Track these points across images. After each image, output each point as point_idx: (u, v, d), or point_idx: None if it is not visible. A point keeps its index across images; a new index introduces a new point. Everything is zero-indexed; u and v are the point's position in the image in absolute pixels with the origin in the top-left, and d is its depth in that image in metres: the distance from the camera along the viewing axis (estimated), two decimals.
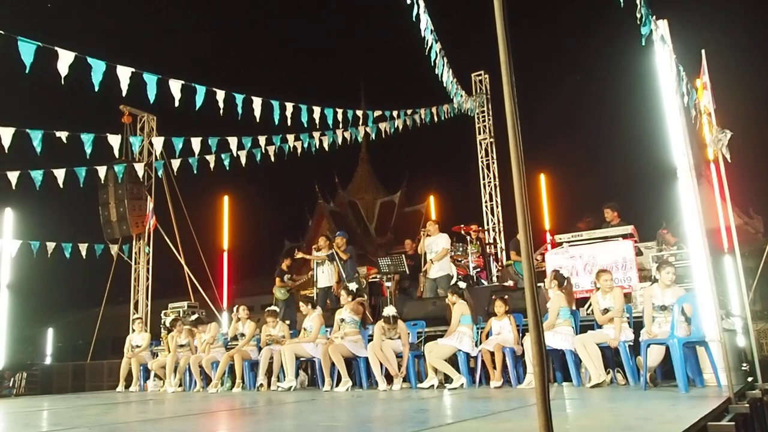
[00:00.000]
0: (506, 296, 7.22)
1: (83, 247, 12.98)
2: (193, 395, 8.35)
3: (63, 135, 8.03)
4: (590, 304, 6.84)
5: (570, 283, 7.01)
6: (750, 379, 6.73)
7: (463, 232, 10.70)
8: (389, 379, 7.30)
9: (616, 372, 6.40)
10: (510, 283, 9.72)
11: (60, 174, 9.30)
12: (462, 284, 7.63)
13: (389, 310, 7.46)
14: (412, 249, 10.68)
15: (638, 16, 5.04)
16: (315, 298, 10.03)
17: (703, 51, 7.66)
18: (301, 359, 8.14)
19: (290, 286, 11.05)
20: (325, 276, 10.20)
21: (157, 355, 10.29)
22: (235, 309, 9.15)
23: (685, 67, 5.82)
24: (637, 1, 4.98)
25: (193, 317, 9.75)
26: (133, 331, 10.77)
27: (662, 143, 5.07)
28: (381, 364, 7.25)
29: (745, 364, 6.98)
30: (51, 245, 12.25)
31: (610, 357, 6.39)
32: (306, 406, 5.80)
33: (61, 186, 9.29)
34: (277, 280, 11.17)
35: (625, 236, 7.75)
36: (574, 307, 6.87)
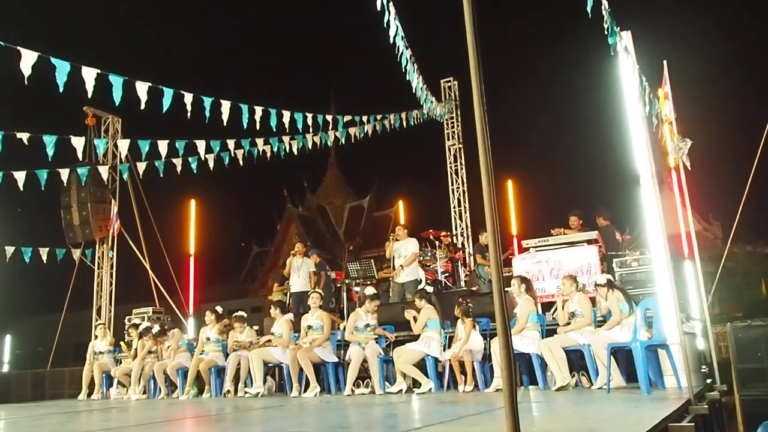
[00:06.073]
0: (467, 301, 7.26)
1: (44, 252, 12.66)
2: (158, 402, 8.21)
3: (24, 136, 7.81)
4: (556, 308, 6.94)
5: (532, 286, 7.10)
6: (709, 381, 6.93)
7: (432, 237, 10.76)
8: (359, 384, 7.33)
9: (581, 375, 6.51)
10: (475, 287, 9.79)
11: (20, 176, 9.04)
12: (429, 288, 7.67)
13: (370, 290, 7.76)
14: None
15: (605, 27, 5.15)
16: (289, 302, 9.99)
17: (665, 62, 7.87)
18: (269, 365, 8.07)
19: (287, 289, 10.92)
20: (300, 281, 10.11)
21: (120, 362, 10.07)
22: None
23: (648, 77, 5.97)
24: (604, 13, 5.09)
25: (156, 329, 9.46)
26: (96, 337, 10.54)
27: (626, 151, 5.19)
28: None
29: (704, 367, 7.19)
30: (10, 249, 11.92)
31: (575, 360, 6.50)
32: (274, 412, 5.75)
33: (22, 189, 9.04)
34: (275, 285, 11.06)
35: (590, 242, 7.90)
36: (540, 311, 6.97)
